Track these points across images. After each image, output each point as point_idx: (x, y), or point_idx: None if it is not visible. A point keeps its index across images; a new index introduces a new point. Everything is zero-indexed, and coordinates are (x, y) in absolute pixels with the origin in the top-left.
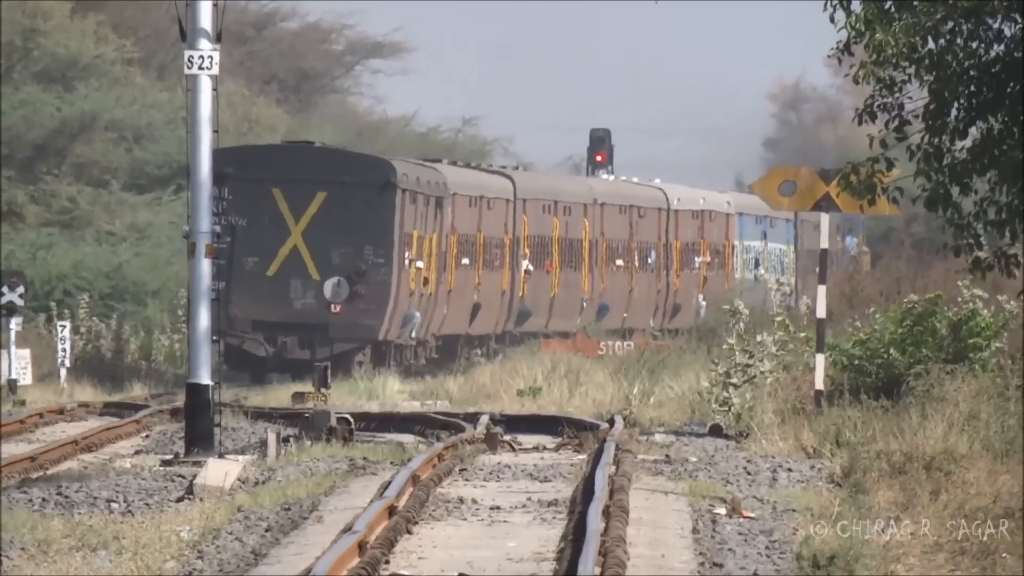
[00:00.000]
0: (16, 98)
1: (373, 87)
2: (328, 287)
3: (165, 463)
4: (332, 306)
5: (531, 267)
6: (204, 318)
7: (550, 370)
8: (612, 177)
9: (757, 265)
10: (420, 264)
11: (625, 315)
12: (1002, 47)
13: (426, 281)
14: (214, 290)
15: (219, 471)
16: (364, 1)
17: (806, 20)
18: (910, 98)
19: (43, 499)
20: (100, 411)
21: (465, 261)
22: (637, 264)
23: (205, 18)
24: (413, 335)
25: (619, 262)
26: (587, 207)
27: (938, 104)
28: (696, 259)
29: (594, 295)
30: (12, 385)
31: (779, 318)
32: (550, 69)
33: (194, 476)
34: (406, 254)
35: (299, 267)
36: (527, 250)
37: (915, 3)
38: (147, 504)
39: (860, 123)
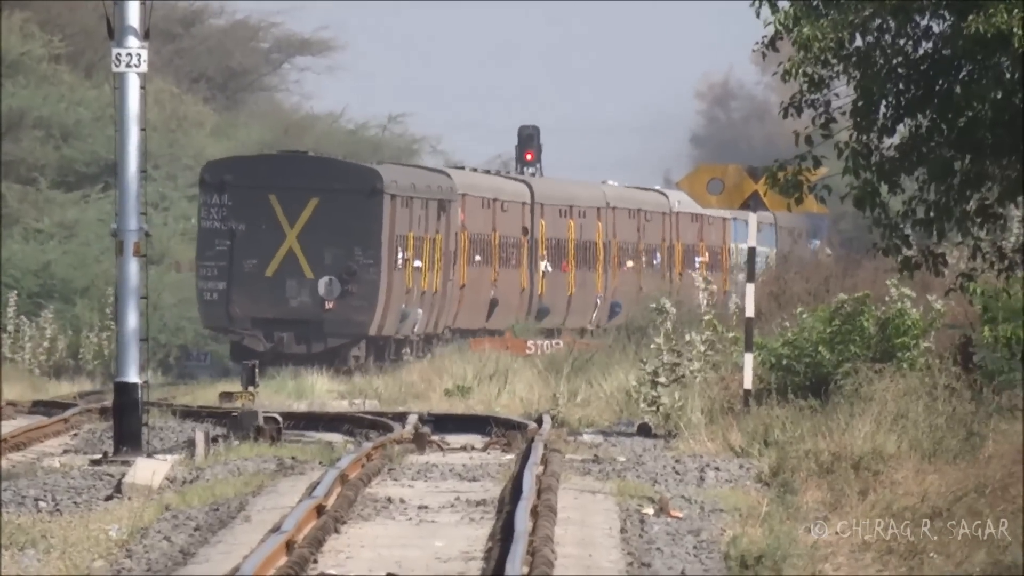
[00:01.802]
0: None
1: (300, 84)
2: (321, 285)
3: (93, 462)
4: (325, 303)
5: (549, 267)
6: (132, 317)
7: (479, 369)
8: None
9: None
10: (418, 264)
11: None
12: (930, 44)
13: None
14: (214, 291)
15: (147, 470)
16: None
17: (733, 17)
18: (837, 95)
19: None
20: (28, 410)
21: (477, 259)
22: (645, 264)
23: (133, 15)
24: (416, 329)
25: (629, 263)
26: (600, 211)
27: (866, 101)
28: (696, 260)
29: (607, 294)
30: None
31: (707, 317)
32: (476, 67)
33: (122, 475)
34: (399, 254)
35: (295, 268)
36: (545, 251)
37: None
38: (75, 503)
39: (785, 116)
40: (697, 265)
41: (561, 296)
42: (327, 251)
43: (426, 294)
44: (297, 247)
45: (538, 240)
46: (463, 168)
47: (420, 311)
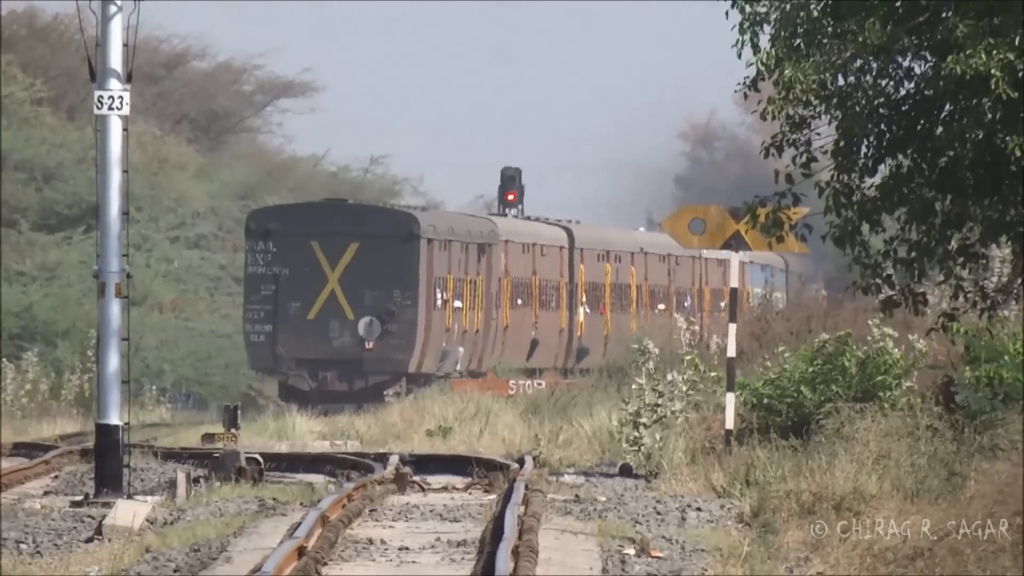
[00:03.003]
0: None
1: (283, 126)
2: (361, 326)
3: (74, 504)
4: (366, 343)
5: (588, 309)
6: (114, 358)
7: (460, 409)
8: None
9: None
10: (458, 304)
11: None
12: (912, 85)
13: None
14: (261, 333)
15: (128, 512)
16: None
17: (717, 58)
18: (818, 134)
19: None
20: (9, 452)
21: (519, 302)
22: (676, 307)
23: (115, 58)
24: (458, 367)
25: (661, 306)
26: (634, 255)
27: (847, 141)
28: (721, 304)
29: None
30: None
31: (688, 357)
32: (457, 108)
33: (103, 517)
34: (438, 295)
35: (336, 310)
36: (584, 294)
37: (824, 40)
38: (56, 545)
39: (767, 156)
40: (723, 308)
41: (599, 337)
42: (367, 293)
43: (467, 333)
44: (339, 290)
45: (578, 284)
46: (505, 215)
47: (461, 349)
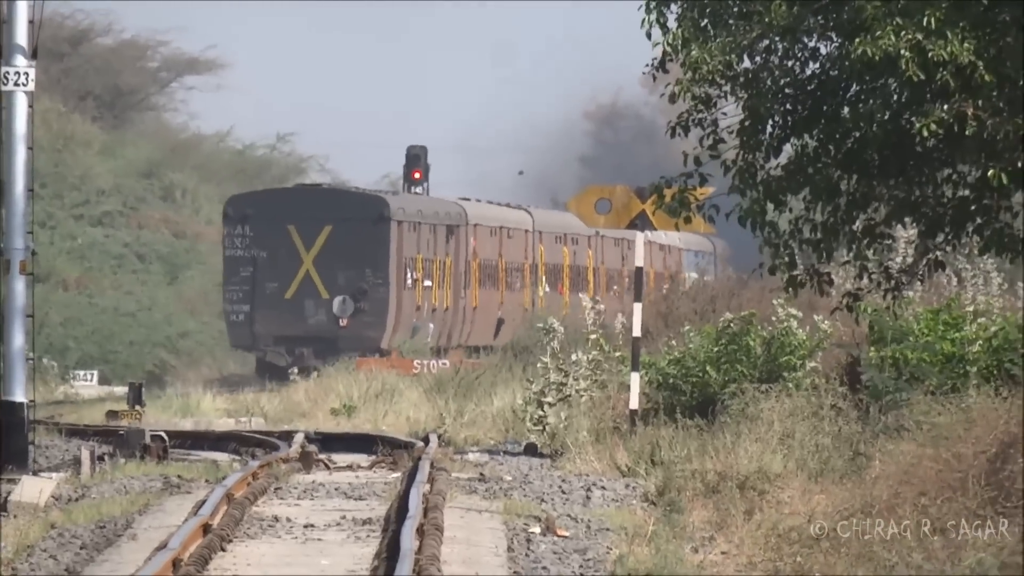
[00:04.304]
0: None
1: (188, 103)
2: (336, 304)
3: None
4: (340, 321)
5: (547, 289)
6: (18, 335)
7: (365, 388)
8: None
9: None
10: (428, 283)
11: None
12: (817, 65)
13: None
14: (240, 312)
15: (34, 488)
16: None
17: (622, 37)
18: (724, 114)
19: None
20: None
21: (486, 282)
22: (627, 288)
23: (21, 34)
24: (428, 343)
25: (615, 288)
26: (591, 239)
27: (753, 121)
28: (664, 287)
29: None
30: None
31: (593, 336)
32: (364, 87)
33: (8, 493)
34: (409, 275)
35: (312, 290)
36: (544, 275)
37: (730, 21)
38: None
39: (673, 136)
40: (664, 290)
41: (558, 315)
42: (341, 273)
43: (437, 311)
44: (313, 271)
45: (538, 264)
46: (469, 199)
47: (432, 325)
